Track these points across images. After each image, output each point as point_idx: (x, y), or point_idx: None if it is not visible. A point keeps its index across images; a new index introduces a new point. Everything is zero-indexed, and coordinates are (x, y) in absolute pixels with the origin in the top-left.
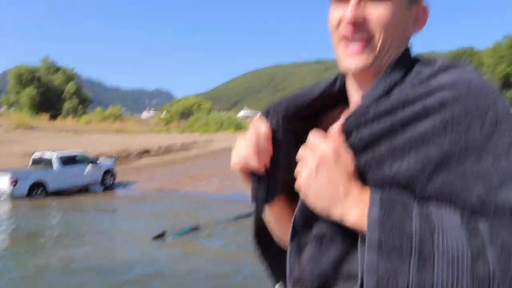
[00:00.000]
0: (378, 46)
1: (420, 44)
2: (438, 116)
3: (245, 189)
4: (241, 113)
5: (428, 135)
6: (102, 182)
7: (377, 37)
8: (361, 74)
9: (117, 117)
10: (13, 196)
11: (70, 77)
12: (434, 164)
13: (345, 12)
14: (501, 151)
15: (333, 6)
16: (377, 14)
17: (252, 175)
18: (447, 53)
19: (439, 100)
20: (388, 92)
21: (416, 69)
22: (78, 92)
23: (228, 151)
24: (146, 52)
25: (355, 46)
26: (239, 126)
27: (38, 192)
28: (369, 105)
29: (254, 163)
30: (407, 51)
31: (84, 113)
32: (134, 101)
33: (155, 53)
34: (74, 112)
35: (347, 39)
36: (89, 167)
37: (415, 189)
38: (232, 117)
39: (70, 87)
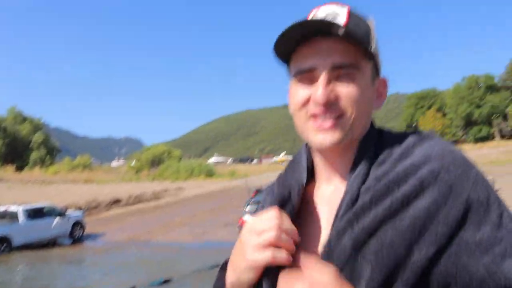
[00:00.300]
0: (349, 122)
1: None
2: (435, 188)
3: (217, 237)
4: (212, 160)
5: (432, 210)
6: (71, 234)
7: (348, 114)
8: (330, 150)
9: (86, 166)
10: None
11: (37, 126)
12: (445, 241)
13: (313, 92)
14: (495, 221)
15: (298, 86)
16: (346, 92)
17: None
18: (411, 95)
19: (430, 172)
20: (368, 172)
21: (390, 142)
22: (45, 142)
23: (199, 198)
24: (114, 100)
25: (327, 123)
26: (210, 173)
27: (2, 248)
28: (359, 193)
29: (283, 257)
30: (371, 124)
31: (52, 163)
32: (104, 150)
33: (123, 100)
34: (42, 162)
35: (317, 117)
36: (57, 220)
37: (426, 266)
38: (203, 163)
39: (37, 137)
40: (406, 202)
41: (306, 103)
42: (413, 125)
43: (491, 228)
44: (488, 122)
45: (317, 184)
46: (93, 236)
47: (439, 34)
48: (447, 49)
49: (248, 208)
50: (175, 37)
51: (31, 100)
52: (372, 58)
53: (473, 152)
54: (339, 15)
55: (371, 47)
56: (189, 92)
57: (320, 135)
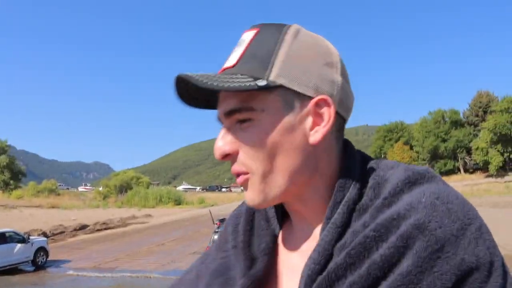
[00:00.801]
0: (258, 183)
1: (354, 119)
2: (421, 248)
3: (185, 265)
4: (181, 187)
5: (413, 277)
6: (34, 261)
7: (252, 173)
8: (262, 207)
9: (52, 191)
10: None
11: (2, 149)
12: None
13: (214, 149)
14: None
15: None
16: (243, 145)
17: None
18: (380, 127)
19: (416, 227)
20: (348, 222)
21: (376, 179)
22: (10, 165)
23: (167, 225)
24: (83, 125)
25: (239, 181)
26: (179, 200)
27: None
28: (332, 251)
29: None
30: (352, 155)
31: (16, 187)
32: (72, 174)
33: (93, 125)
34: (6, 186)
35: (231, 172)
36: (19, 245)
37: None
38: (172, 191)
39: (1, 160)
40: (387, 268)
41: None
42: (382, 156)
43: None
44: (454, 156)
45: (292, 223)
46: (57, 263)
47: (406, 69)
48: (414, 84)
49: (215, 237)
50: (144, 63)
51: None
52: (272, 87)
53: None
54: (240, 47)
55: (269, 74)
56: (159, 119)
57: (244, 191)
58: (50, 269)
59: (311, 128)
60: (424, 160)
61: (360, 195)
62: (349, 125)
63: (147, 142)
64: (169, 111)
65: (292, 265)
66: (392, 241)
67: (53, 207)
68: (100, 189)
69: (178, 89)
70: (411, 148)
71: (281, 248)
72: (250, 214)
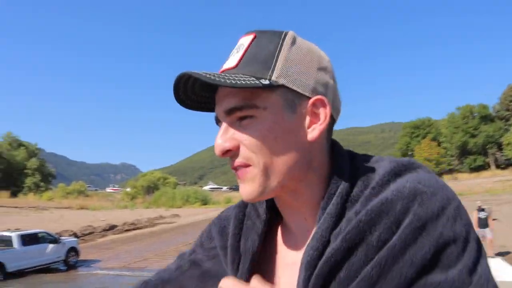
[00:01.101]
0: (261, 169)
1: (380, 116)
2: (407, 226)
3: None
4: (207, 187)
5: (398, 250)
6: (65, 260)
7: (254, 160)
8: (258, 200)
9: (81, 192)
10: None
11: (32, 152)
12: (408, 285)
13: (215, 146)
14: (468, 265)
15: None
16: (246, 136)
17: None
18: (406, 124)
19: (404, 208)
20: (342, 212)
21: (365, 172)
22: (40, 168)
23: (194, 225)
24: (110, 127)
25: (239, 174)
26: (206, 200)
27: None
28: (329, 239)
29: None
30: (340, 153)
31: (47, 189)
32: (99, 175)
33: (120, 127)
34: (37, 188)
35: (231, 165)
36: (51, 246)
37: None
38: (198, 191)
39: (32, 163)
40: (381, 248)
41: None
42: (409, 153)
43: (460, 272)
44: (483, 151)
45: (284, 220)
46: (87, 263)
47: (432, 65)
48: (440, 80)
49: None
50: (170, 66)
51: (27, 126)
52: (275, 86)
53: (468, 181)
54: (239, 51)
55: (271, 75)
56: (184, 119)
57: (241, 184)
58: (81, 269)
59: (309, 126)
60: (452, 156)
61: (351, 187)
62: (374, 122)
63: (173, 142)
64: (194, 112)
65: (288, 258)
66: (385, 223)
67: (82, 208)
68: (128, 190)
69: (177, 88)
70: (439, 144)
71: (275, 244)
72: (239, 219)
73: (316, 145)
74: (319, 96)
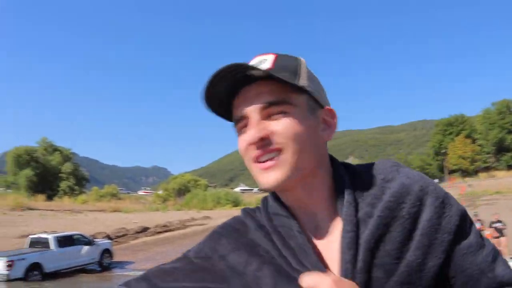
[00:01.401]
0: (290, 156)
1: (412, 113)
2: (430, 201)
3: None
4: (238, 188)
5: (435, 221)
6: (100, 262)
7: (286, 147)
8: (280, 188)
9: (113, 195)
10: (9, 279)
11: (67, 157)
12: (449, 248)
13: (247, 135)
14: (476, 231)
15: (239, 136)
16: (280, 126)
17: None
18: (439, 121)
19: (421, 189)
20: (355, 200)
21: (360, 171)
22: (75, 172)
23: None
24: (141, 130)
25: (267, 162)
26: (237, 201)
27: (35, 274)
28: (358, 221)
29: None
30: (332, 157)
31: (81, 192)
32: (131, 179)
33: (149, 130)
34: (71, 191)
35: (257, 159)
36: (86, 248)
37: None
38: (230, 192)
39: (66, 167)
40: (414, 219)
41: (248, 148)
42: (442, 151)
43: (475, 236)
44: None
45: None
46: (121, 264)
47: (463, 60)
48: (474, 74)
49: None
50: (203, 67)
51: (61, 131)
52: (303, 91)
53: (506, 179)
54: (266, 60)
55: (298, 81)
56: (214, 121)
57: (264, 174)
58: (115, 270)
59: (322, 130)
60: (488, 153)
61: (353, 182)
62: (406, 120)
63: (203, 144)
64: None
65: (322, 245)
66: (410, 201)
67: (115, 211)
68: (159, 192)
69: (211, 88)
70: (474, 141)
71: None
72: (261, 225)
73: (325, 147)
74: (329, 107)
